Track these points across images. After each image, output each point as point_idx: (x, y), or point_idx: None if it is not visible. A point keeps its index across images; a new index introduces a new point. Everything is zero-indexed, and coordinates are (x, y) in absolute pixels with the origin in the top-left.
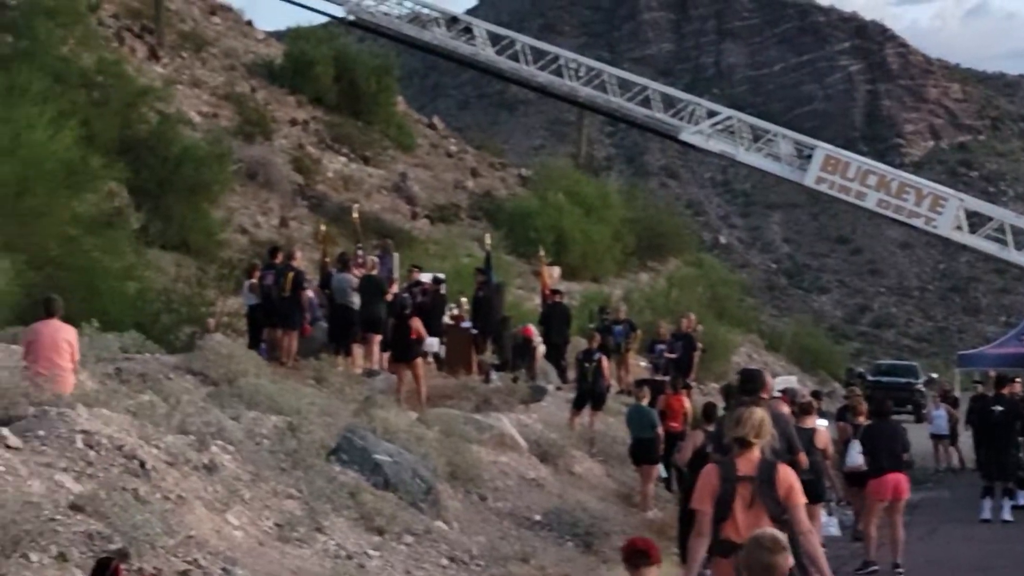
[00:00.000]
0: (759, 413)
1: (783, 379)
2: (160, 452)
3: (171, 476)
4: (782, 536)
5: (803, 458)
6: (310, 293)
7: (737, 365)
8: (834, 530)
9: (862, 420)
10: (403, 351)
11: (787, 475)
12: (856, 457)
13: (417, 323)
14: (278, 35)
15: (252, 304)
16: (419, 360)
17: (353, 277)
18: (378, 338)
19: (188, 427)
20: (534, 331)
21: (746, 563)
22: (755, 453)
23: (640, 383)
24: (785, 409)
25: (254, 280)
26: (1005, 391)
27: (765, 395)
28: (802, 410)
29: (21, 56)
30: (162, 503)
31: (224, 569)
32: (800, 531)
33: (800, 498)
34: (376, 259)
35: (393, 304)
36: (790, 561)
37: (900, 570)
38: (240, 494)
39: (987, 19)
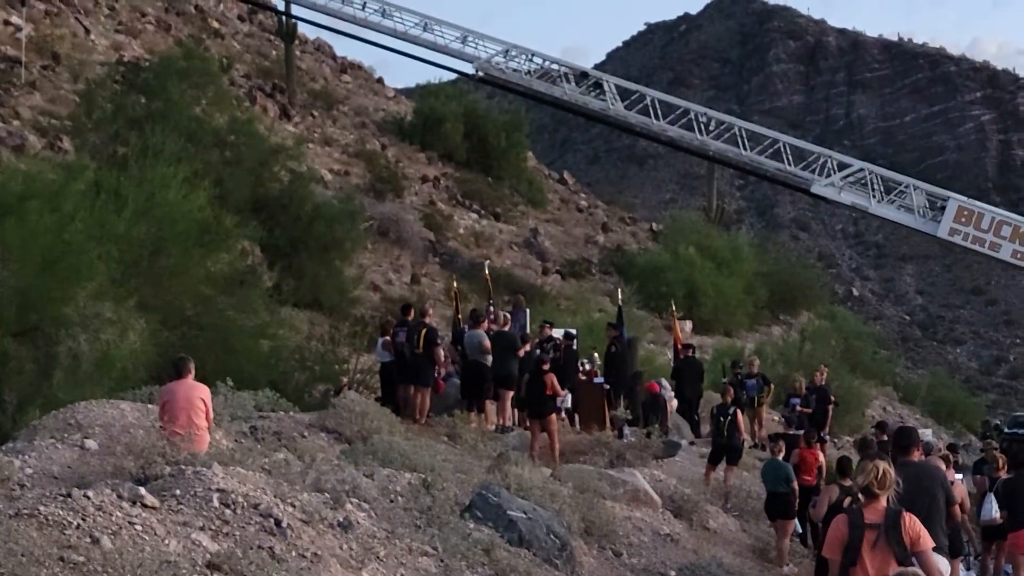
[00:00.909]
0: (882, 465)
1: (920, 432)
2: (295, 510)
3: (306, 534)
4: (923, 573)
5: (956, 511)
6: (442, 351)
7: (871, 419)
8: None
9: (1001, 474)
10: (538, 407)
11: (913, 523)
12: (992, 511)
13: (552, 379)
14: (408, 92)
15: (385, 361)
16: (553, 416)
17: (484, 334)
18: (510, 394)
19: (323, 485)
20: (660, 385)
21: None
22: (881, 503)
23: (775, 437)
24: (942, 464)
25: (387, 337)
26: None
27: (918, 452)
28: None
29: (155, 117)
30: (298, 561)
31: None
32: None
33: (928, 543)
34: (508, 315)
35: (526, 360)
36: None
37: None
38: (375, 551)
39: None
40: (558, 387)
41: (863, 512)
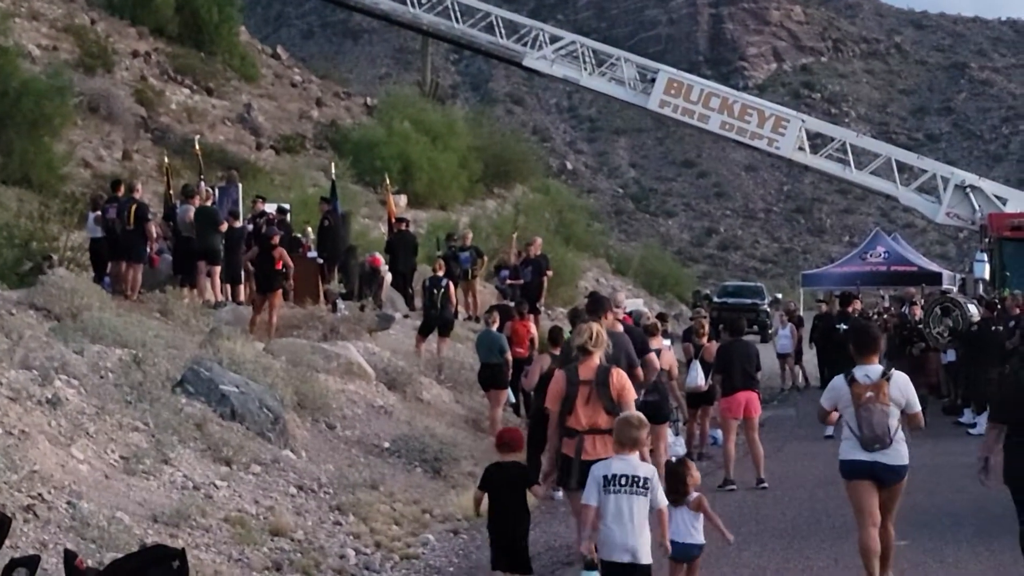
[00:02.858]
0: (596, 327)
1: (630, 302)
2: (2, 388)
3: (14, 411)
4: (643, 417)
5: (639, 372)
6: (154, 226)
7: (585, 290)
8: (680, 449)
9: (704, 341)
10: (267, 281)
11: (620, 377)
12: (697, 378)
13: (281, 252)
14: None
15: (96, 237)
16: (279, 291)
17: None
18: (217, 269)
19: (31, 362)
20: (381, 260)
21: (617, 437)
22: (593, 361)
23: (490, 309)
24: (620, 328)
25: (98, 213)
26: (849, 309)
27: (608, 317)
28: (647, 332)
29: None
30: (4, 438)
31: (69, 503)
32: None
33: (631, 396)
34: (210, 190)
35: (232, 234)
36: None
37: (764, 485)
38: (85, 428)
39: None
40: (288, 260)
41: (578, 369)
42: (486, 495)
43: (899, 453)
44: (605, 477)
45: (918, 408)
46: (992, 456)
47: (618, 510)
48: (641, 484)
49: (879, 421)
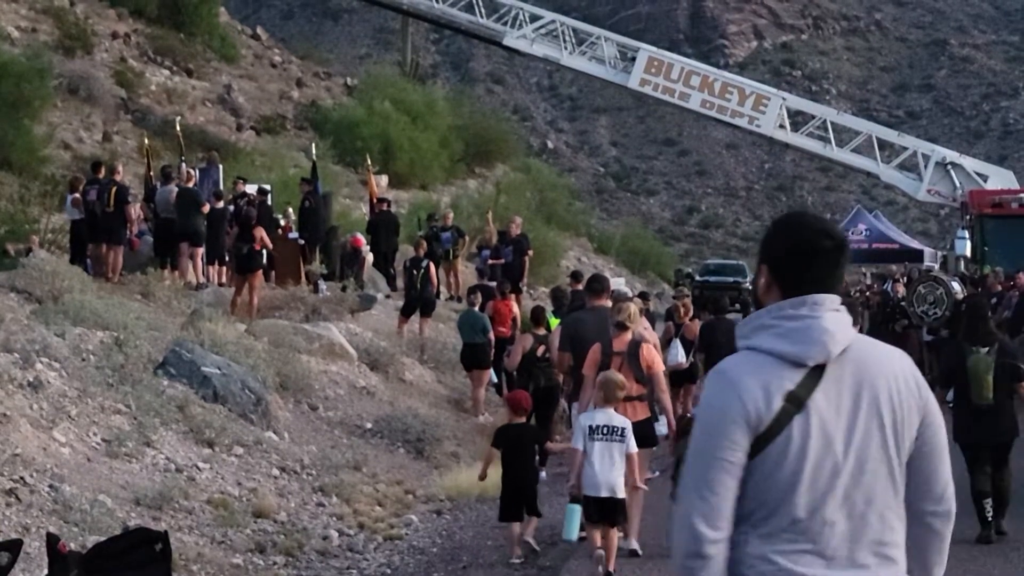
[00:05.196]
0: (633, 307)
1: (613, 281)
2: None
3: None
4: (624, 380)
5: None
6: (136, 208)
7: (567, 269)
8: (663, 428)
9: (685, 320)
10: (246, 261)
11: (649, 351)
12: (678, 355)
13: (261, 232)
14: None
15: (75, 219)
16: (259, 272)
17: (175, 190)
18: (199, 251)
19: (12, 345)
20: (363, 240)
21: (604, 394)
22: (627, 335)
23: (473, 289)
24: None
25: (77, 195)
26: None
27: (607, 296)
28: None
29: None
30: None
31: (51, 486)
32: (660, 390)
33: (660, 367)
34: (191, 171)
35: (215, 215)
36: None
37: None
38: (67, 411)
39: None
40: (267, 241)
41: (613, 342)
42: (499, 453)
43: None
44: (590, 427)
45: None
46: None
47: (599, 454)
48: (619, 433)
49: None
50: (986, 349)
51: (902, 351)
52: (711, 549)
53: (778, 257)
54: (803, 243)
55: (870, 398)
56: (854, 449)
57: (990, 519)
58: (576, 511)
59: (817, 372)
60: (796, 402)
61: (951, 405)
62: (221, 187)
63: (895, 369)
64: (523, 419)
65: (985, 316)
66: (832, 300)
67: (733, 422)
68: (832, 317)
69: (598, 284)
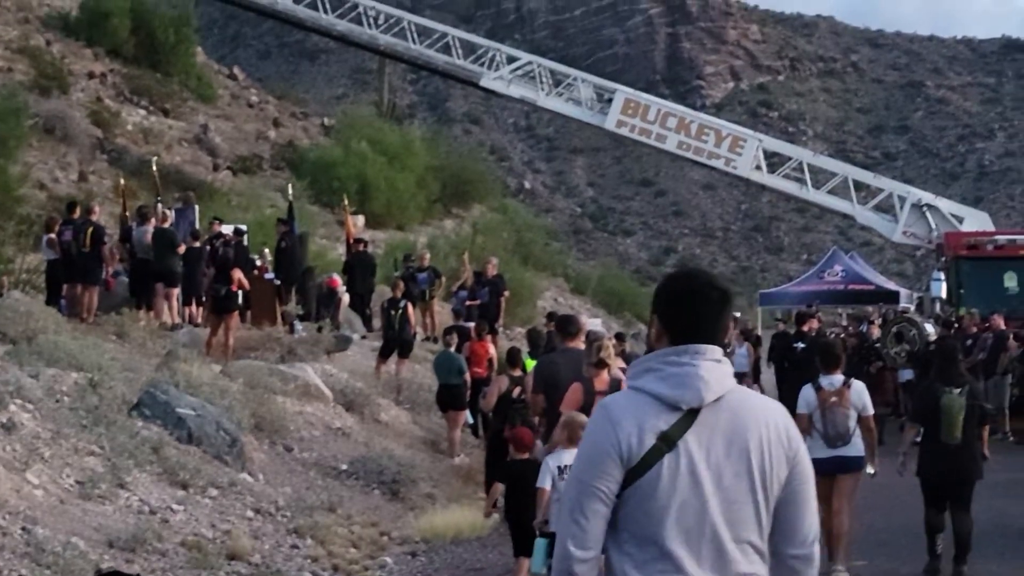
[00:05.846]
0: (610, 344)
1: (590, 322)
2: None
3: None
4: (585, 418)
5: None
6: (110, 249)
7: (543, 310)
8: None
9: None
10: (222, 302)
11: None
12: None
13: (238, 274)
14: None
15: (51, 259)
16: (235, 312)
17: (151, 231)
18: (175, 291)
19: None
20: (339, 281)
21: (568, 435)
22: (607, 374)
23: (449, 330)
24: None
25: (52, 235)
26: (805, 328)
27: (580, 338)
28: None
29: None
30: None
31: (24, 528)
32: None
33: None
34: (167, 212)
35: (191, 255)
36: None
37: None
38: (40, 452)
39: None
40: (244, 282)
41: (593, 381)
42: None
43: (857, 447)
44: (559, 467)
45: (871, 411)
46: (906, 451)
47: None
48: None
49: (841, 421)
50: (959, 390)
51: (779, 404)
52: (579, 568)
53: (669, 308)
54: (692, 296)
55: (740, 444)
56: (722, 489)
57: (939, 552)
58: (544, 544)
59: (691, 416)
60: (668, 441)
61: (917, 443)
62: (197, 227)
63: (768, 420)
64: (526, 455)
65: (955, 358)
66: (713, 351)
67: (607, 455)
68: (709, 366)
69: (571, 326)
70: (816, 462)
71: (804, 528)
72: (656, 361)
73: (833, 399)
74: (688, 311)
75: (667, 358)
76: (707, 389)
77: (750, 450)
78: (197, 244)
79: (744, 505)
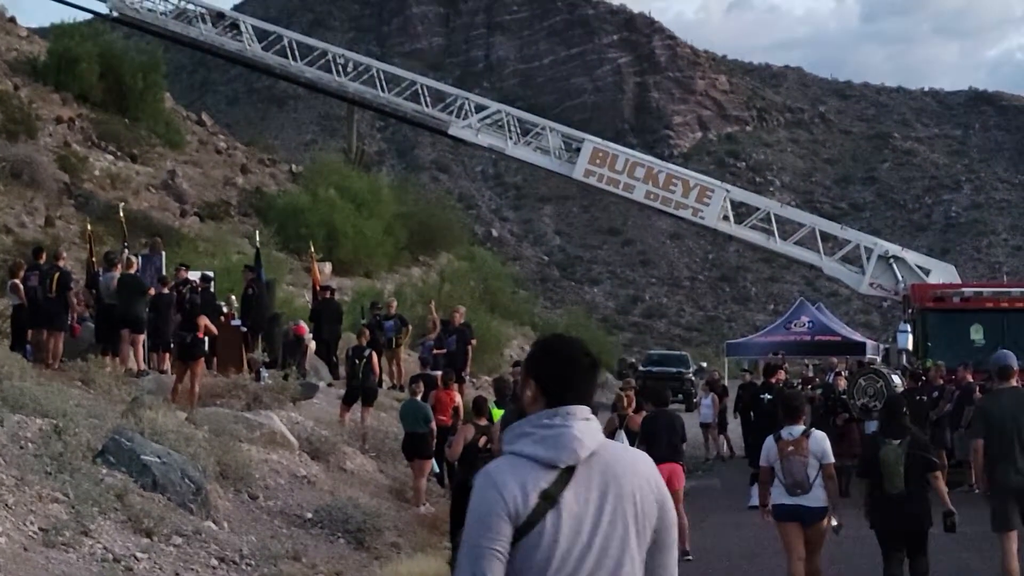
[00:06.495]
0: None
1: None
2: None
3: None
4: None
5: None
6: (76, 295)
7: (510, 358)
8: None
9: (629, 412)
10: (188, 350)
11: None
12: None
13: (204, 321)
14: (42, 32)
15: (16, 305)
16: (201, 359)
17: (117, 277)
18: (140, 337)
19: None
20: (306, 328)
21: None
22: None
23: (415, 378)
24: None
25: (17, 281)
26: (773, 379)
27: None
28: None
29: None
30: None
31: None
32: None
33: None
34: (133, 258)
35: (159, 301)
36: None
37: (688, 557)
38: (3, 499)
39: (750, 11)
40: (212, 328)
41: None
42: None
43: (818, 497)
44: None
45: (831, 460)
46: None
47: None
48: None
49: (799, 470)
50: (898, 441)
51: (646, 455)
52: None
53: (543, 372)
54: (566, 361)
55: (615, 494)
56: (599, 538)
57: None
58: None
59: (568, 473)
60: (549, 499)
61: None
62: (164, 273)
63: (639, 470)
64: None
65: (900, 412)
66: (583, 410)
67: (498, 516)
68: (581, 426)
69: (500, 394)
70: (777, 508)
71: (668, 571)
72: (529, 426)
73: (791, 448)
74: (562, 375)
75: (540, 422)
76: (581, 447)
77: (624, 499)
78: (166, 290)
79: (620, 551)
